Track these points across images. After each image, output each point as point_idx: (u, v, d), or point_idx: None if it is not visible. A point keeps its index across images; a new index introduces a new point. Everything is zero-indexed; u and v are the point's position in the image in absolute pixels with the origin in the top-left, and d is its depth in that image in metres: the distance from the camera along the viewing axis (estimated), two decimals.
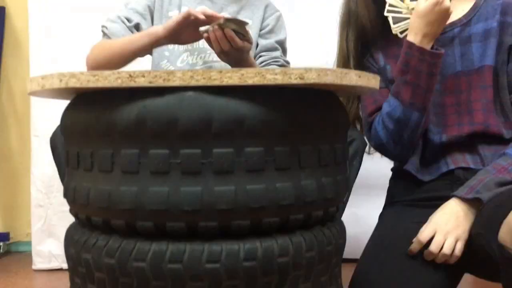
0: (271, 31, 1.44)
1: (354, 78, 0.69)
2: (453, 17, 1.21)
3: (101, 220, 0.69)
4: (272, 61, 1.39)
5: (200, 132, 0.65)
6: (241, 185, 0.65)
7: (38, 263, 1.96)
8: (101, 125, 0.67)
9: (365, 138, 1.31)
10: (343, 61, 1.32)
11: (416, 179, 1.25)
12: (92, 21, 1.87)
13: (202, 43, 1.39)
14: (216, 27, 1.08)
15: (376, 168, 1.40)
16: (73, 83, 0.64)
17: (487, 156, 1.17)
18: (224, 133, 0.65)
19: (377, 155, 1.34)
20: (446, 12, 1.07)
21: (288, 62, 1.43)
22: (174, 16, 1.40)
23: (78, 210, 0.74)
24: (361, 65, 1.30)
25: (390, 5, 1.12)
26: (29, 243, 2.05)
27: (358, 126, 1.36)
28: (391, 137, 1.20)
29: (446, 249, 1.06)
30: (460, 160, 1.20)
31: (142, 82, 0.64)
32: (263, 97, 0.66)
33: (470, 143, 1.19)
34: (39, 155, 1.90)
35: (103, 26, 1.36)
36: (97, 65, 1.31)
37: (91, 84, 0.64)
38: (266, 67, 1.36)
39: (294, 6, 1.88)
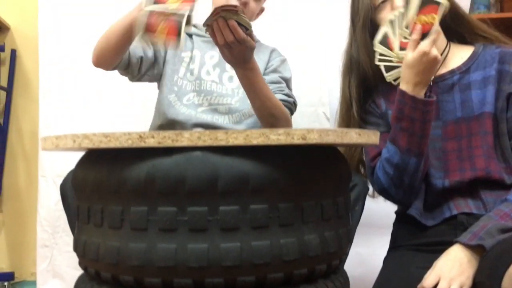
0: (275, 70, 1.50)
1: (354, 136, 0.71)
2: (453, 65, 1.25)
3: (110, 276, 0.71)
4: (277, 90, 1.43)
5: (207, 190, 0.67)
6: (247, 241, 0.67)
7: None
8: (112, 182, 0.70)
9: (367, 182, 1.34)
10: (346, 107, 1.35)
11: (419, 224, 1.27)
12: None
13: (210, 85, 1.44)
14: (219, 18, 1.08)
15: (380, 208, 1.41)
16: (86, 144, 0.68)
17: (489, 202, 1.18)
18: (230, 191, 0.67)
19: (381, 197, 1.35)
20: (435, 61, 1.09)
21: (290, 96, 1.47)
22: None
23: (88, 264, 0.76)
24: (363, 110, 1.33)
25: (381, 55, 1.15)
26: (34, 283, 2.05)
27: (362, 170, 1.38)
28: (392, 182, 1.21)
29: None
30: (462, 205, 1.21)
31: (151, 142, 0.67)
32: (267, 156, 0.69)
33: (472, 188, 1.20)
34: (45, 196, 1.93)
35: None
36: (101, 54, 1.32)
37: (103, 145, 0.67)
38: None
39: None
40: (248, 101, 1.36)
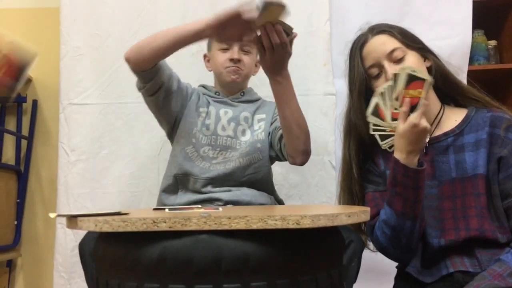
0: None
1: (344, 219, 0.80)
2: (447, 127, 1.30)
3: None
4: None
5: (212, 270, 0.76)
6: None
7: None
8: (128, 260, 0.79)
9: (363, 239, 1.39)
10: (347, 168, 1.41)
11: (418, 281, 1.31)
12: (118, 114, 2.04)
13: (225, 141, 1.54)
14: (267, 22, 1.17)
15: (382, 257, 1.46)
16: (106, 228, 0.77)
17: (484, 260, 1.22)
18: (232, 271, 0.76)
19: None
20: (424, 131, 1.15)
21: None
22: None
23: None
24: (363, 170, 1.39)
25: (374, 125, 1.23)
26: None
27: (364, 228, 1.43)
28: (390, 242, 1.26)
29: None
30: (458, 263, 1.25)
31: (163, 227, 0.76)
32: (265, 238, 0.78)
33: (467, 247, 1.24)
34: (62, 242, 2.00)
35: None
36: (142, 57, 1.39)
37: (121, 229, 0.77)
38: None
39: None
40: (258, 144, 1.45)
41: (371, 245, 1.46)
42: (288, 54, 1.29)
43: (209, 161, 1.52)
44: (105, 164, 2.01)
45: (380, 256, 1.47)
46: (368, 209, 0.90)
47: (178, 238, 0.77)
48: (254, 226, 0.76)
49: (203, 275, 0.76)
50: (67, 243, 1.99)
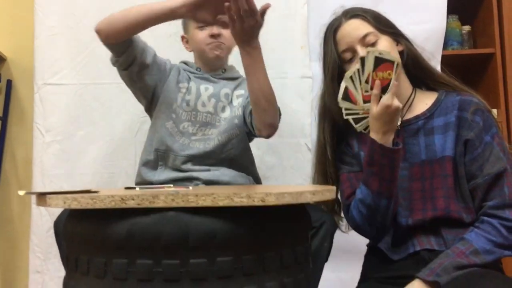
0: None
1: (309, 196, 0.83)
2: (418, 110, 1.32)
3: None
4: None
5: (179, 245, 0.78)
6: None
7: None
8: (97, 237, 0.81)
9: (335, 219, 1.43)
10: (321, 150, 1.43)
11: (387, 258, 1.36)
12: (95, 95, 2.03)
13: (205, 117, 1.55)
14: None
15: (359, 236, 1.50)
16: (75, 206, 0.78)
17: (449, 239, 1.26)
18: (199, 246, 0.78)
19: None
20: (397, 111, 1.18)
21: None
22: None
23: None
24: (337, 152, 1.41)
25: (346, 109, 1.25)
26: None
27: (337, 209, 1.47)
28: (366, 220, 1.29)
29: None
30: (425, 242, 1.29)
31: (131, 204, 0.78)
32: (232, 215, 0.80)
33: (433, 226, 1.28)
34: (38, 223, 2.00)
35: None
36: (114, 31, 1.39)
37: (90, 206, 0.78)
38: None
39: None
40: (236, 120, 1.45)
41: (343, 226, 1.50)
42: (259, 23, 1.28)
43: (189, 137, 1.53)
44: (81, 145, 2.01)
45: (351, 236, 1.51)
46: (333, 187, 0.93)
47: (146, 215, 0.79)
48: (221, 203, 0.78)
49: (170, 251, 0.78)
50: (43, 224, 1.99)
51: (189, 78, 1.61)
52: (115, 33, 1.39)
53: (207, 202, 0.78)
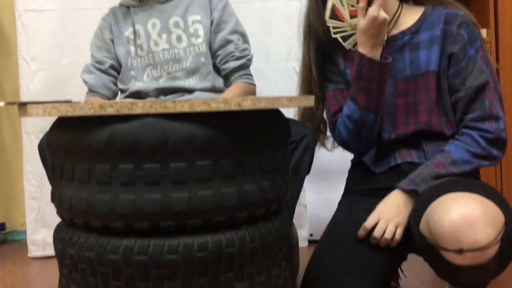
0: (219, 23, 1.53)
1: (285, 102, 0.84)
2: (404, 25, 1.30)
3: (81, 222, 0.86)
4: (229, 57, 1.50)
5: (159, 150, 0.80)
6: (193, 192, 0.81)
7: (33, 251, 2.09)
8: (79, 145, 0.83)
9: (321, 138, 1.45)
10: (306, 70, 1.42)
11: (369, 171, 1.40)
12: (78, 22, 2.00)
13: (163, 55, 1.50)
14: None
15: (345, 156, 1.51)
16: (55, 113, 0.80)
17: (430, 152, 1.29)
18: (178, 151, 0.81)
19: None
20: (384, 23, 1.18)
21: (245, 49, 1.53)
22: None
23: (63, 213, 0.90)
24: (323, 70, 1.41)
25: (334, 28, 1.25)
26: (24, 232, 2.19)
27: (323, 128, 1.49)
28: (352, 135, 1.32)
29: (387, 234, 1.21)
30: (406, 155, 1.33)
31: (110, 111, 0.79)
32: (209, 120, 0.82)
33: (415, 140, 1.31)
34: (30, 151, 2.03)
35: (83, 80, 1.49)
36: None
37: (69, 114, 0.80)
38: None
39: None
40: (202, 58, 1.42)
41: (329, 144, 1.53)
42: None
43: (157, 80, 1.49)
44: (68, 73, 2.00)
45: (336, 157, 1.55)
46: (312, 96, 0.94)
47: (126, 122, 0.81)
48: (198, 109, 0.79)
49: (151, 155, 0.81)
50: (34, 151, 2.00)
51: (133, 20, 1.52)
52: None
53: (184, 108, 0.79)
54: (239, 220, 0.86)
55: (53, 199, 0.92)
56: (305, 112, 1.47)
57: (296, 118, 1.46)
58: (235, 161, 0.84)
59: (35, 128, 2.02)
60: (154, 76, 1.49)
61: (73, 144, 0.84)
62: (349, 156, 1.54)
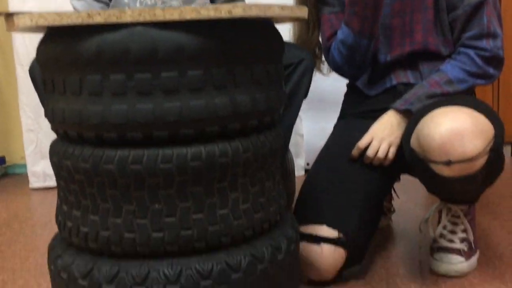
0: None
1: (277, 10, 0.82)
2: None
3: (75, 134, 0.86)
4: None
5: (149, 59, 0.79)
6: (185, 101, 0.81)
7: (34, 182, 2.14)
8: (69, 56, 0.82)
9: (316, 62, 1.45)
10: None
11: (364, 94, 1.41)
12: None
13: None
14: None
15: (343, 85, 1.53)
16: (42, 22, 0.78)
17: (425, 72, 1.30)
18: (169, 60, 0.80)
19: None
20: None
21: None
22: None
23: (57, 126, 0.91)
24: None
25: None
26: (24, 165, 2.22)
27: (318, 53, 1.48)
28: (345, 60, 1.33)
29: (380, 153, 1.24)
30: (402, 76, 1.33)
31: (98, 19, 0.78)
32: (200, 29, 0.80)
33: (411, 61, 1.32)
34: (25, 83, 2.03)
35: (72, 6, 1.46)
36: None
37: (57, 23, 0.78)
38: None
39: None
40: None
41: (324, 69, 1.52)
42: None
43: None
44: (58, 1, 1.95)
45: (333, 87, 1.54)
46: (305, 8, 0.92)
47: (114, 31, 0.79)
48: (188, 17, 0.78)
49: (141, 65, 0.80)
50: (29, 83, 1.99)
51: None
52: None
53: (174, 16, 0.78)
54: (232, 131, 0.86)
55: (46, 114, 0.92)
56: (301, 36, 1.45)
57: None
58: (227, 70, 0.83)
59: (29, 59, 1.99)
60: (148, 3, 1.46)
61: (63, 56, 0.83)
62: (345, 86, 1.54)
